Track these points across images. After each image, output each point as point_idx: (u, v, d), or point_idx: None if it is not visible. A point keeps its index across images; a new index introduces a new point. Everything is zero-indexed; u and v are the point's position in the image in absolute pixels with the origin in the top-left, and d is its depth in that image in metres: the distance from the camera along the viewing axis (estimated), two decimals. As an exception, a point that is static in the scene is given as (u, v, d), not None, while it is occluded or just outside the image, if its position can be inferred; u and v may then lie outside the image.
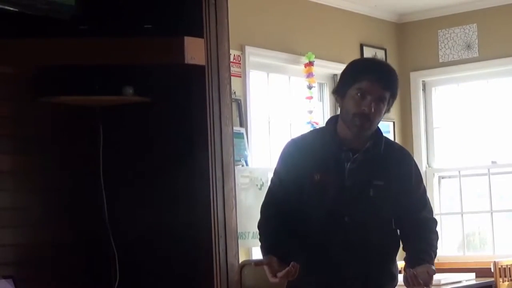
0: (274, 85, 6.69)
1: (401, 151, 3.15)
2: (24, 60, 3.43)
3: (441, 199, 7.71)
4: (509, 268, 6.82)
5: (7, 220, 3.52)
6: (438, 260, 7.52)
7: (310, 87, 6.65)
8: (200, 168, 3.56)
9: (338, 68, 5.71)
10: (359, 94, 2.90)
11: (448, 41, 7.59)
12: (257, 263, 2.84)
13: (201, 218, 3.55)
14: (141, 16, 3.46)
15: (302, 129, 6.19)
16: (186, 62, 3.43)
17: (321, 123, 6.33)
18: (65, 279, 3.64)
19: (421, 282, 2.83)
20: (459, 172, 7.63)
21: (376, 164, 2.99)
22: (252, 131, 6.21)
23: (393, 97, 2.97)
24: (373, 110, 2.90)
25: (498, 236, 7.46)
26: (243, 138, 6.01)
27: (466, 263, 7.27)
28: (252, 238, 5.68)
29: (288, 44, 6.61)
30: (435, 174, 7.71)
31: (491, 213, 7.48)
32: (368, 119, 2.92)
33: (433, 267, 2.90)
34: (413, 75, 7.75)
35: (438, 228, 3.09)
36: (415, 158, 3.24)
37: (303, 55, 6.65)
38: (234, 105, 5.83)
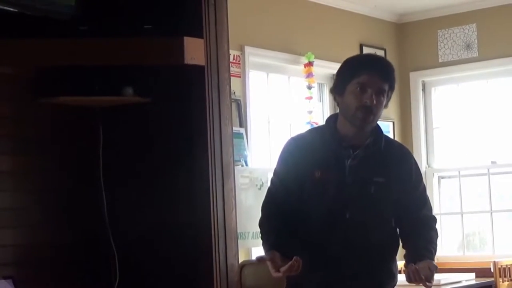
0: (274, 85, 6.69)
1: (401, 149, 3.16)
2: (24, 60, 3.43)
3: (441, 199, 7.71)
4: (509, 268, 6.82)
5: (7, 220, 3.52)
6: (437, 260, 7.51)
7: (309, 87, 6.66)
8: (200, 168, 3.56)
9: (338, 68, 5.71)
10: (359, 88, 2.92)
11: (448, 41, 7.59)
12: (260, 258, 2.84)
13: (201, 218, 3.55)
14: (141, 17, 3.46)
15: (301, 129, 6.18)
16: (186, 62, 3.43)
17: (321, 123, 6.30)
18: (65, 279, 3.64)
19: (423, 277, 2.83)
20: (459, 172, 7.63)
21: (377, 161, 3.00)
22: (251, 131, 6.21)
23: (391, 89, 2.99)
24: (374, 102, 2.92)
25: (498, 236, 7.46)
26: (242, 138, 6.02)
27: (466, 263, 7.27)
28: (252, 238, 5.68)
29: (287, 44, 6.61)
30: (435, 174, 7.72)
31: (491, 213, 7.48)
32: (371, 112, 2.93)
33: (434, 263, 2.91)
34: (412, 75, 7.75)
35: (438, 228, 3.10)
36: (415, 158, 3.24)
37: (303, 55, 6.66)
38: (233, 105, 5.84)
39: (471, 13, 7.45)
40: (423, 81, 7.79)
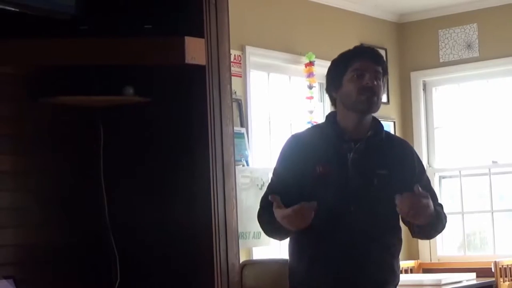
0: (275, 85, 6.69)
1: (401, 142, 3.20)
2: (24, 60, 3.42)
3: (442, 199, 7.71)
4: (510, 268, 6.82)
5: (7, 220, 3.52)
6: (438, 260, 7.57)
7: (310, 87, 6.66)
8: (201, 168, 3.56)
9: (339, 68, 5.70)
10: (355, 75, 2.99)
11: (449, 41, 7.59)
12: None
13: (201, 218, 3.55)
14: (141, 16, 3.46)
15: (302, 129, 6.19)
16: (186, 62, 3.42)
17: (322, 123, 6.33)
18: (66, 279, 3.64)
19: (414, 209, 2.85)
20: (460, 172, 7.63)
21: (379, 153, 3.01)
22: (252, 131, 6.21)
23: (385, 73, 3.07)
24: (375, 83, 2.98)
25: (499, 236, 7.46)
26: (243, 138, 6.02)
27: (466, 263, 7.27)
28: (253, 238, 5.68)
29: (288, 44, 6.61)
30: (436, 174, 7.71)
31: (492, 213, 7.48)
32: (374, 93, 2.97)
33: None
34: (413, 75, 7.75)
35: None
36: (415, 158, 3.25)
37: (304, 55, 6.66)
38: (234, 105, 5.84)
39: (472, 13, 7.45)
40: (424, 81, 7.78)
